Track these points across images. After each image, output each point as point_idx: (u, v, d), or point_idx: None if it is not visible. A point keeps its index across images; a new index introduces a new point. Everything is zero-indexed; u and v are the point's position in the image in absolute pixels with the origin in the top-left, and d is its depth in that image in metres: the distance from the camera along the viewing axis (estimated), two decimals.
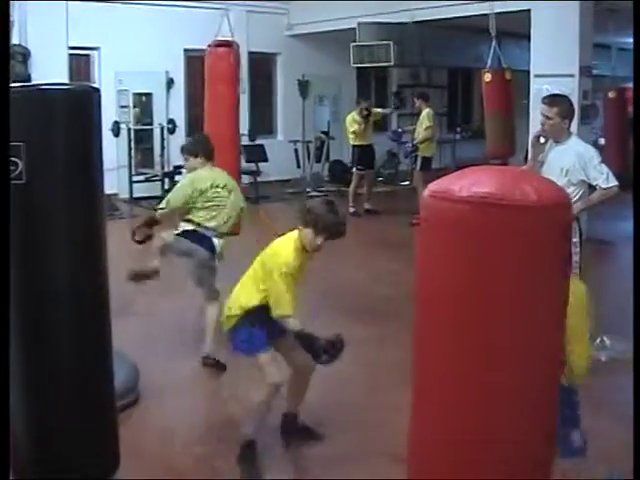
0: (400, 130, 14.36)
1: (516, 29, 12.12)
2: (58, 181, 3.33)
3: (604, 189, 5.42)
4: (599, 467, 3.74)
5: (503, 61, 11.00)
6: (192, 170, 6.12)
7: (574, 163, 5.47)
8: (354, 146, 13.24)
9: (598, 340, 6.05)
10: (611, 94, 13.77)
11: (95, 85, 6.70)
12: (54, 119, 3.31)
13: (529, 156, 5.94)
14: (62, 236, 3.34)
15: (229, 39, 8.49)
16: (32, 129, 3.25)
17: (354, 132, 13.03)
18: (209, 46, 8.42)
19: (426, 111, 12.47)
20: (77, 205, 3.37)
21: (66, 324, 3.43)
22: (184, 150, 6.31)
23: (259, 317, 4.32)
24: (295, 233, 4.31)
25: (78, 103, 3.42)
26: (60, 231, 3.33)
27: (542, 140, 5.61)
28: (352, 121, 13.12)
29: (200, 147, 6.21)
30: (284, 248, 4.29)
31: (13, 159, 3.15)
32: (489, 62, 11.05)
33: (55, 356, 3.42)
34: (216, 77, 8.31)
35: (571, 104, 5.72)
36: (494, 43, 11.00)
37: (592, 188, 5.57)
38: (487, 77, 11.02)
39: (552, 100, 5.70)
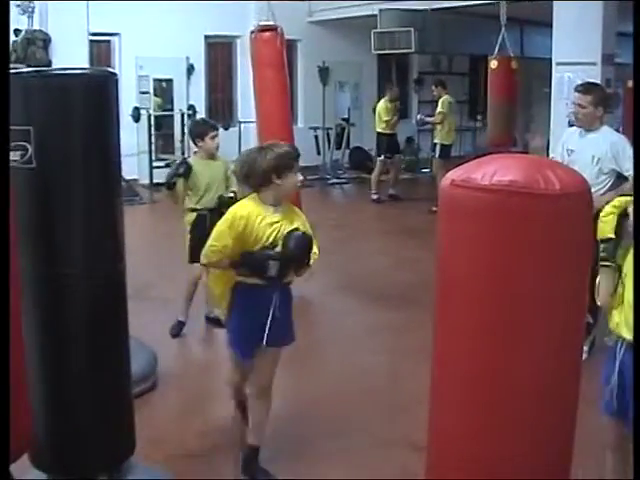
0: (425, 118, 14.30)
1: (539, 17, 12.04)
2: (72, 165, 3.29)
3: None
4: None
5: (524, 50, 11.03)
6: None
7: (606, 152, 5.42)
8: (380, 134, 13.12)
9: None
10: (630, 83, 13.63)
11: (112, 69, 6.63)
12: (69, 103, 3.26)
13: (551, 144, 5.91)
14: (76, 221, 3.31)
15: (273, 23, 8.43)
16: (47, 113, 3.21)
17: (386, 122, 12.96)
18: (252, 32, 8.33)
19: (443, 98, 12.42)
20: (92, 190, 3.33)
21: (81, 311, 3.40)
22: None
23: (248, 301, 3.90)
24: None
25: (94, 87, 3.37)
26: (73, 215, 3.30)
27: (572, 129, 5.57)
28: (385, 110, 13.05)
29: None
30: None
31: (22, 143, 3.13)
32: (496, 49, 11.16)
33: (70, 343, 3.40)
34: (263, 63, 8.21)
35: (605, 92, 5.67)
36: (503, 30, 11.18)
37: (621, 178, 5.51)
38: (493, 64, 11.21)
39: (586, 88, 5.65)
